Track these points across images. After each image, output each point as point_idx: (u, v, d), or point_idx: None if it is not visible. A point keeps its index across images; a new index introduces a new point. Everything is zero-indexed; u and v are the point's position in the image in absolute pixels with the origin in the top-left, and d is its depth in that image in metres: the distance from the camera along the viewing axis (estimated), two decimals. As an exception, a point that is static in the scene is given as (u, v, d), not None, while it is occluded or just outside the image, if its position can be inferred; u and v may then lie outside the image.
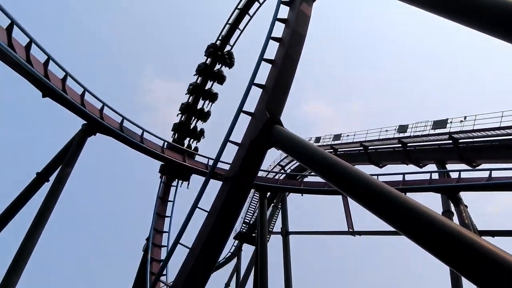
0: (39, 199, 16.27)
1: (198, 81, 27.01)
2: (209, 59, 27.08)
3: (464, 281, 15.95)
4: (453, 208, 18.12)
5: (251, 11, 26.70)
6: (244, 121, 10.39)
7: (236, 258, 31.01)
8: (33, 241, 14.78)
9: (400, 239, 21.22)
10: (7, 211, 17.33)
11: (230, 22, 27.01)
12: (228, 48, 27.51)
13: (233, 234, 29.91)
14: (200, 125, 27.19)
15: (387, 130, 24.93)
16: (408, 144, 23.44)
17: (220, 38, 27.36)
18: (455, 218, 17.19)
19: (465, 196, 18.57)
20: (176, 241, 9.93)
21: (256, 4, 26.12)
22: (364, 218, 21.82)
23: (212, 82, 27.12)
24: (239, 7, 26.72)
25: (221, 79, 27.31)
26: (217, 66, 27.29)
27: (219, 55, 26.81)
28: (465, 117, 20.85)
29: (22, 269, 14.20)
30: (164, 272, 21.09)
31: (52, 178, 16.86)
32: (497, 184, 17.25)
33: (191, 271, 8.72)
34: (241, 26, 27.10)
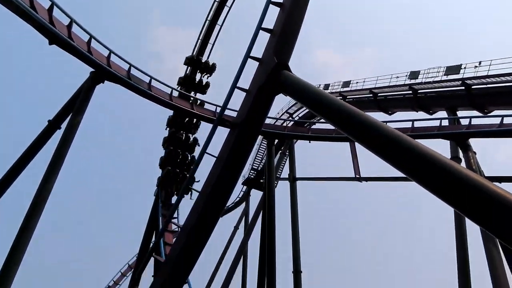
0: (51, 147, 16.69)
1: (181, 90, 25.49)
2: (189, 68, 26.10)
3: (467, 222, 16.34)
4: (461, 155, 18.15)
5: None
6: (252, 67, 10.20)
7: (244, 202, 31.91)
8: (49, 186, 15.31)
9: (406, 184, 21.57)
10: (22, 158, 17.89)
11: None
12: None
13: (241, 180, 30.59)
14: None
15: (397, 77, 24.41)
16: (419, 91, 23.02)
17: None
18: (463, 165, 17.25)
19: (474, 143, 18.52)
20: (186, 185, 10.22)
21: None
22: (370, 167, 22.03)
23: (195, 92, 25.96)
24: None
25: (203, 89, 26.13)
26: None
27: (198, 64, 25.79)
28: (479, 62, 20.24)
29: (41, 212, 14.87)
30: (175, 215, 21.91)
31: (63, 126, 17.23)
32: (508, 130, 17.08)
33: (200, 213, 9.03)
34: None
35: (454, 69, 21.31)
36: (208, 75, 26.12)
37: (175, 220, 21.29)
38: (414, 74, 23.38)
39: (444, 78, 21.57)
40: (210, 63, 26.14)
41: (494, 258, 14.42)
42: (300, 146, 27.19)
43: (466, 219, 14.60)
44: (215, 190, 8.92)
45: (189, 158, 24.82)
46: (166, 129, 24.97)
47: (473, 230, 16.26)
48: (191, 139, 24.95)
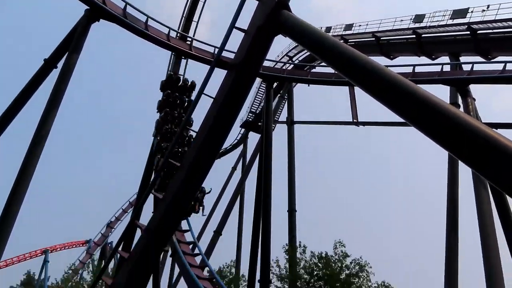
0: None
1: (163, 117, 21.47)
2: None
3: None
4: (460, 101, 18.11)
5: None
6: (252, 7, 9.83)
7: (242, 145, 32.38)
8: (48, 125, 15.42)
9: (401, 129, 21.77)
10: (19, 98, 17.87)
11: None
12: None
13: (239, 123, 30.75)
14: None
15: (402, 20, 23.67)
16: (423, 35, 22.44)
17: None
18: (461, 111, 17.28)
19: (476, 90, 18.41)
20: (183, 126, 10.24)
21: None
22: (369, 114, 21.99)
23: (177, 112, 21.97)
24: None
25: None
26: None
27: (175, 84, 22.10)
28: (488, 6, 19.55)
29: (41, 150, 15.12)
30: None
31: (60, 65, 17.07)
32: (510, 77, 16.88)
33: (198, 151, 9.17)
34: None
35: (460, 12, 20.62)
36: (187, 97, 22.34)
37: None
38: (419, 18, 22.65)
39: (450, 22, 20.94)
40: (189, 82, 22.22)
41: (482, 200, 14.91)
42: (299, 91, 27.05)
43: (460, 162, 14.94)
44: (212, 131, 8.96)
45: (187, 101, 24.20)
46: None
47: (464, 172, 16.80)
48: (189, 83, 24.06)
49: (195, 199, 18.53)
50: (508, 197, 16.11)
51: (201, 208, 19.61)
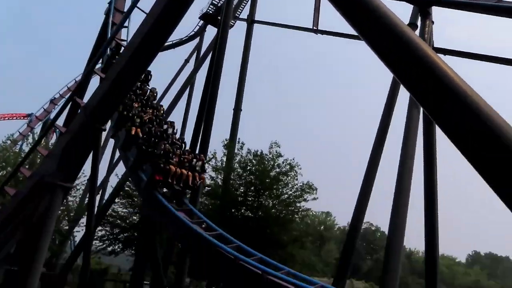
0: None
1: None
2: None
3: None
4: (419, 23, 18.08)
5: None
6: None
7: (199, 38, 31.17)
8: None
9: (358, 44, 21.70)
10: None
11: None
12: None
13: (199, 14, 29.15)
14: None
15: None
16: None
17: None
18: (417, 32, 17.37)
19: (441, 18, 18.22)
20: (134, 4, 9.56)
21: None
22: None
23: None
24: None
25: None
26: None
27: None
28: None
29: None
30: (126, 24, 20.22)
31: None
32: (472, 3, 16.79)
33: (147, 34, 8.76)
34: None
35: None
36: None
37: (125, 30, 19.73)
38: None
39: None
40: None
41: (412, 124, 15.77)
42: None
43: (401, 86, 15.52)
44: (164, 12, 8.45)
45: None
46: None
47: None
48: None
49: (193, 170, 11.71)
50: (436, 128, 17.31)
51: (200, 180, 12.30)
